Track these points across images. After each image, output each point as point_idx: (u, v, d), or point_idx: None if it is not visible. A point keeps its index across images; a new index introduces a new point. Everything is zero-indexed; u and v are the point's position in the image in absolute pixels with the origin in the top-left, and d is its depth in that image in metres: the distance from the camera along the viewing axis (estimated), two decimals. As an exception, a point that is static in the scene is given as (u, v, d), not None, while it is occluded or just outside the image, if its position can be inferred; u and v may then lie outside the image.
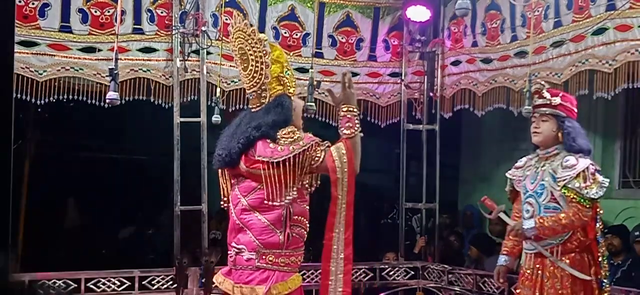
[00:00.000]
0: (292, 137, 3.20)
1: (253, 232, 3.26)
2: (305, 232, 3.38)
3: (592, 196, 3.84)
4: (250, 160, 3.23)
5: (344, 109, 3.23)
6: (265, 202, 3.21)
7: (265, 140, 3.22)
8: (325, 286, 3.27)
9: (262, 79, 3.30)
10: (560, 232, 3.89)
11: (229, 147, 3.30)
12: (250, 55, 3.32)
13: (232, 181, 3.41)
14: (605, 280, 3.95)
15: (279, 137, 3.21)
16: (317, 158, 3.18)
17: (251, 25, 3.40)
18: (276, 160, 3.16)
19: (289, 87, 3.39)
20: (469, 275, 6.06)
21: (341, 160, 3.15)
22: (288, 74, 3.40)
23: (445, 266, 6.31)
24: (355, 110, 3.24)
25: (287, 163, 3.16)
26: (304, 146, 3.17)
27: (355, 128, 3.20)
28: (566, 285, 3.89)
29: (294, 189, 3.22)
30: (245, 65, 3.35)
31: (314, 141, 3.21)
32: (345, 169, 3.15)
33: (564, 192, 3.88)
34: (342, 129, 3.22)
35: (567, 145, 3.97)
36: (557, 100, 3.99)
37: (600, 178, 3.88)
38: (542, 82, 4.15)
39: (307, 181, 3.35)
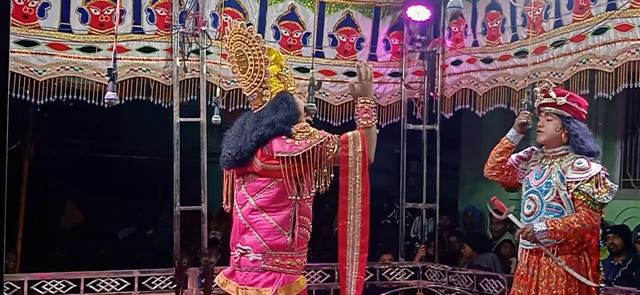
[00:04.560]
0: (308, 131, 3.22)
1: (260, 233, 3.25)
2: (309, 233, 3.37)
3: (603, 201, 3.82)
4: (266, 156, 3.23)
5: (361, 101, 3.29)
6: (289, 197, 3.21)
7: (281, 137, 3.22)
8: (343, 271, 3.29)
9: (263, 76, 3.31)
10: (571, 236, 3.86)
11: (239, 146, 3.29)
12: (249, 55, 3.32)
13: (237, 180, 3.40)
14: (602, 285, 3.93)
15: (294, 132, 3.22)
16: (331, 149, 3.20)
17: (248, 25, 3.41)
18: (296, 155, 3.17)
19: (288, 85, 3.39)
20: (470, 275, 6.04)
21: (355, 150, 3.19)
22: (287, 73, 3.41)
23: (446, 266, 6.30)
24: (372, 102, 3.30)
25: (307, 156, 3.17)
26: (320, 139, 3.19)
27: (372, 119, 3.26)
28: (561, 286, 3.86)
29: (317, 183, 3.23)
30: (244, 67, 3.35)
31: (329, 135, 3.23)
32: (359, 159, 3.19)
33: (576, 195, 3.84)
34: (359, 119, 3.27)
35: (575, 148, 3.93)
36: (562, 100, 3.96)
37: (609, 183, 3.87)
38: (550, 82, 4.13)
39: (323, 175, 3.32)
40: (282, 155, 3.18)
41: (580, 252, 3.92)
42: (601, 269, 3.97)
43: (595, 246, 3.96)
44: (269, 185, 3.24)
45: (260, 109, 3.34)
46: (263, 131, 3.23)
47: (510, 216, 4.21)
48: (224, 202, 3.53)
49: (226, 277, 3.40)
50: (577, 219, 3.81)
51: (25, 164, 7.13)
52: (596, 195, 3.80)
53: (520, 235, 4.04)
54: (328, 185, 3.27)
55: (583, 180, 3.83)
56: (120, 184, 9.02)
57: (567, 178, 3.88)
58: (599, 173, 3.84)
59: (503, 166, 4.22)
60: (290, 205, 3.24)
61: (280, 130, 3.22)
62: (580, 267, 3.89)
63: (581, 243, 3.92)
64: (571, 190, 3.86)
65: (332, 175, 3.24)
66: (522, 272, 4.05)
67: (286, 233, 3.24)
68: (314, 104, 4.28)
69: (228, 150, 3.36)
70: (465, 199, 8.36)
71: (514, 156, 4.23)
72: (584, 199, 3.83)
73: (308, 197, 3.29)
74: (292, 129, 3.23)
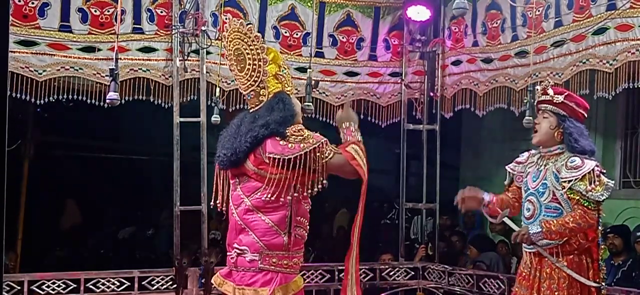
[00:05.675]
0: (302, 135, 3.20)
1: (256, 233, 3.24)
2: (306, 233, 3.37)
3: (598, 198, 3.78)
4: (259, 160, 3.22)
5: (346, 125, 3.36)
6: (280, 199, 3.20)
7: (274, 138, 3.21)
8: (345, 285, 3.33)
9: (260, 75, 3.30)
10: (568, 235, 3.83)
11: (234, 147, 3.28)
12: (247, 53, 3.31)
13: (233, 181, 3.39)
14: (602, 284, 3.91)
15: (288, 134, 3.21)
16: (326, 155, 3.19)
17: (248, 24, 3.41)
18: (288, 157, 3.15)
19: (286, 85, 3.38)
20: (470, 275, 6.04)
21: (363, 160, 3.22)
22: (285, 73, 3.40)
23: (446, 266, 6.30)
24: (355, 124, 3.38)
25: (299, 160, 3.15)
26: (314, 144, 3.17)
27: (359, 136, 3.33)
28: (562, 287, 3.84)
29: (309, 187, 3.23)
30: (242, 65, 3.34)
31: (324, 139, 3.22)
32: (365, 168, 3.22)
33: (570, 194, 3.82)
34: (348, 136, 3.33)
35: (569, 146, 3.91)
36: (559, 99, 3.95)
37: (605, 180, 3.82)
38: (550, 81, 4.13)
39: (316, 180, 3.33)
40: (275, 156, 3.17)
41: (581, 252, 3.90)
42: (603, 268, 3.95)
43: (597, 245, 3.94)
44: (263, 186, 3.23)
45: (256, 108, 3.33)
46: (257, 132, 3.22)
47: (506, 219, 4.17)
48: (217, 201, 3.51)
49: (223, 278, 3.39)
50: (572, 218, 3.78)
51: (25, 164, 7.14)
52: (590, 193, 3.76)
53: (516, 238, 4.02)
54: (321, 189, 3.27)
55: (576, 179, 3.80)
56: (120, 184, 9.03)
57: (561, 177, 3.85)
58: (593, 170, 3.79)
59: (515, 204, 4.20)
60: (286, 206, 3.23)
61: (274, 131, 3.21)
62: (581, 267, 3.87)
63: (583, 243, 3.90)
64: (565, 190, 3.84)
65: (326, 182, 3.23)
66: (524, 273, 4.03)
67: (283, 233, 3.23)
68: (311, 104, 4.28)
69: (223, 150, 3.36)
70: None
71: (512, 164, 4.23)
72: (578, 198, 3.80)
73: (302, 199, 3.28)
74: (287, 131, 3.21)
